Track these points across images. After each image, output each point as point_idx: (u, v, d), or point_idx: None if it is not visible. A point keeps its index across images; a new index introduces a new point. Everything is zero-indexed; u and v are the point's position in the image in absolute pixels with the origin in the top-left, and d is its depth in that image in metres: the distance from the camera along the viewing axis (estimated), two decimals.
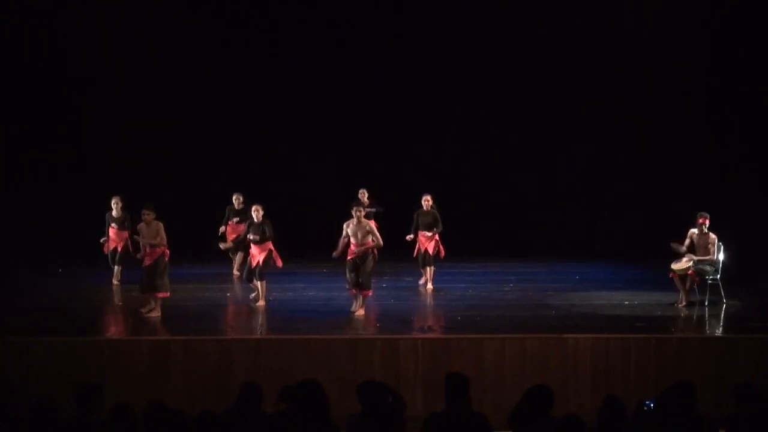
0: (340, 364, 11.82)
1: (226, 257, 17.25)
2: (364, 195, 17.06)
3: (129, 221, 15.95)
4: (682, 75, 19.34)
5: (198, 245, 17.29)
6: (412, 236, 16.15)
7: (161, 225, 13.89)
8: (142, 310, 13.90)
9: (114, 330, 13.77)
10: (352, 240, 13.90)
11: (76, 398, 7.23)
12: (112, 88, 19.77)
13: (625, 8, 19.58)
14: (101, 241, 16.43)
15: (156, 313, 13.80)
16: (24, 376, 11.44)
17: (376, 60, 20.17)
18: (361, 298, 13.96)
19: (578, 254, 19.05)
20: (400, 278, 16.34)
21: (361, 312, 13.89)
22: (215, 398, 10.73)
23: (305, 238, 17.61)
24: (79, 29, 19.27)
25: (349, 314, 13.85)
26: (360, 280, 13.88)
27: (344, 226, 14.01)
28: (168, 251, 13.96)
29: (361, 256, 13.85)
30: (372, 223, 14.30)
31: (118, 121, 19.90)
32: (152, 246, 13.87)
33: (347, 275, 13.95)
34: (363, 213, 14.05)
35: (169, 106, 19.83)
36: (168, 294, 13.93)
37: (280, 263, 14.85)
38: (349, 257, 13.94)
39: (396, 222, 16.38)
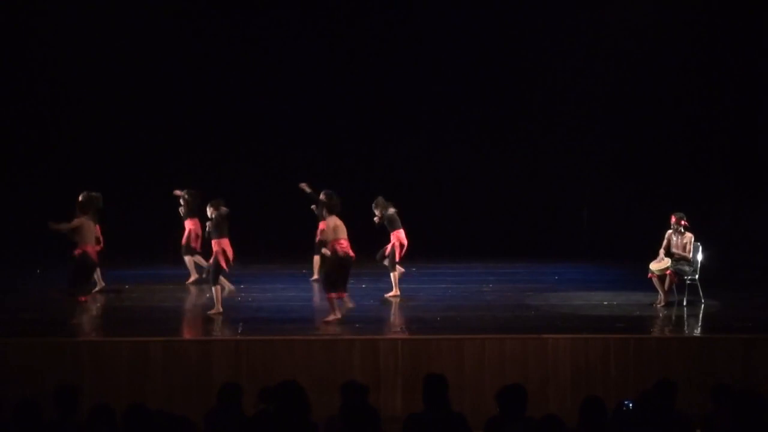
0: (320, 365, 11.81)
1: (205, 258, 17.14)
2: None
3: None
4: (675, 77, 19.43)
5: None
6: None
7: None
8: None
9: (93, 331, 13.65)
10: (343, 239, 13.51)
11: (54, 399, 7.21)
12: (94, 87, 19.58)
13: (624, 9, 19.57)
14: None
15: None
16: (2, 376, 11.40)
17: (376, 60, 20.10)
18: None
19: (557, 254, 19.06)
20: (379, 279, 16.31)
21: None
22: (196, 399, 10.73)
23: (301, 239, 17.41)
24: (61, 30, 19.12)
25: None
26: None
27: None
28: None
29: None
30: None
31: (105, 121, 19.74)
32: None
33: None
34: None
35: (165, 105, 19.62)
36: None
37: (230, 256, 14.04)
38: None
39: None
